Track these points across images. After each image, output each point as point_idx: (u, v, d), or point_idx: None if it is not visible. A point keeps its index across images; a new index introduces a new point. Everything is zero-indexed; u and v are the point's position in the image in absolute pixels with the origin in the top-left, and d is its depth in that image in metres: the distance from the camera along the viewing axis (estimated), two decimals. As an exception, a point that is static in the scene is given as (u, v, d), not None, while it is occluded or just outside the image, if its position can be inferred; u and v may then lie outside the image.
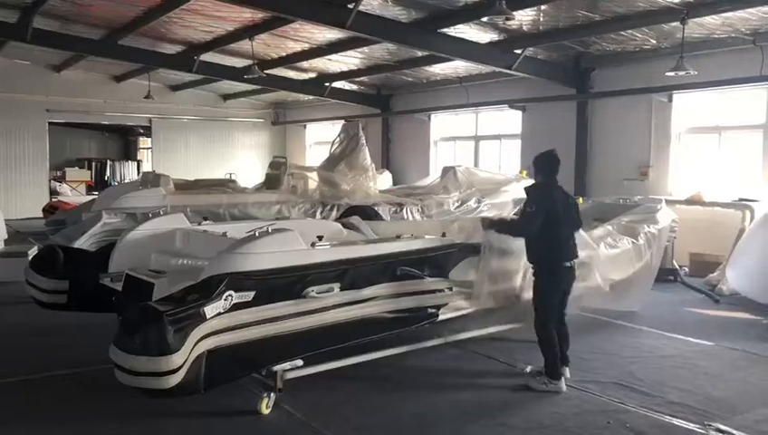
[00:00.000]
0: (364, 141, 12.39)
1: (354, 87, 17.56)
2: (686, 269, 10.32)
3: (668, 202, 9.04)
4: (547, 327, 5.54)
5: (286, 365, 4.80)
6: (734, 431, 4.61)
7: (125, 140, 27.45)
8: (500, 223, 5.99)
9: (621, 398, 5.27)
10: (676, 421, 4.81)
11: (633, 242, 7.33)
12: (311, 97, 18.70)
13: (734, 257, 9.22)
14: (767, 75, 9.67)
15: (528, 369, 5.73)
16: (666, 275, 9.28)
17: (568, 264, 5.58)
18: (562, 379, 5.48)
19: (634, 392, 5.39)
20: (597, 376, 5.76)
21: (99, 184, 23.84)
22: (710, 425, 4.73)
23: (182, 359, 4.06)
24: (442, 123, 16.72)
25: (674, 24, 9.50)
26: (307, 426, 4.68)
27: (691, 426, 4.73)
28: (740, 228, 9.73)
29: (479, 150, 15.66)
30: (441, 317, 5.70)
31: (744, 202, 10.05)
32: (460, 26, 10.96)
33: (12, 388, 5.42)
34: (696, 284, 9.49)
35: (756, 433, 4.58)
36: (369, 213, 10.51)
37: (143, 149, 26.34)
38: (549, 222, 5.45)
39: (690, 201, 10.61)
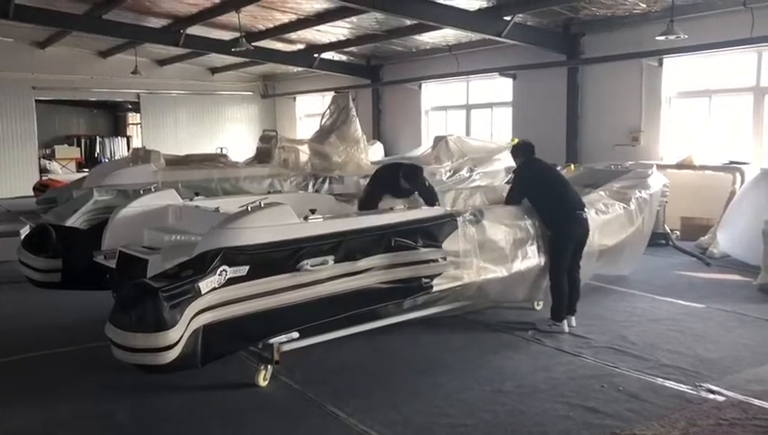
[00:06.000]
0: (355, 113, 12.33)
1: (343, 58, 17.39)
2: (678, 233, 10.38)
3: (659, 167, 9.07)
4: (558, 275, 6.06)
5: (282, 338, 4.82)
6: (725, 391, 4.68)
7: (114, 116, 27.16)
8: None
9: (614, 362, 5.34)
10: (668, 383, 4.89)
11: (625, 207, 7.36)
12: (300, 69, 18.53)
13: (724, 220, 9.30)
14: (757, 38, 9.62)
15: (529, 333, 6.08)
16: (657, 239, 9.35)
17: (579, 213, 6.08)
18: (564, 322, 6.05)
19: (627, 356, 5.46)
20: (590, 341, 5.84)
21: (89, 161, 23.68)
22: (701, 386, 4.80)
23: (178, 334, 4.08)
24: (433, 93, 16.61)
25: (664, -14, 9.44)
26: (304, 396, 4.73)
27: (683, 387, 4.80)
28: (730, 191, 9.79)
29: (470, 119, 15.60)
30: (436, 288, 5.73)
31: (734, 165, 10.11)
32: (448, -7, 10.86)
33: (10, 367, 5.44)
34: (687, 247, 9.57)
35: (747, 392, 4.65)
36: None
37: (132, 124, 26.11)
38: (541, 188, 6.21)
39: (681, 165, 10.65)
